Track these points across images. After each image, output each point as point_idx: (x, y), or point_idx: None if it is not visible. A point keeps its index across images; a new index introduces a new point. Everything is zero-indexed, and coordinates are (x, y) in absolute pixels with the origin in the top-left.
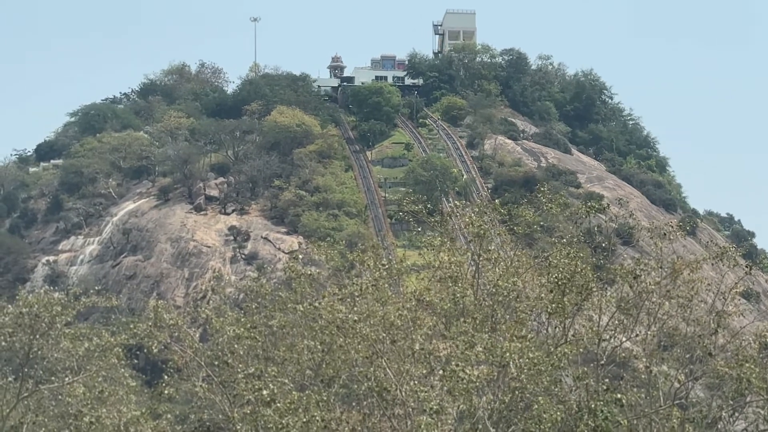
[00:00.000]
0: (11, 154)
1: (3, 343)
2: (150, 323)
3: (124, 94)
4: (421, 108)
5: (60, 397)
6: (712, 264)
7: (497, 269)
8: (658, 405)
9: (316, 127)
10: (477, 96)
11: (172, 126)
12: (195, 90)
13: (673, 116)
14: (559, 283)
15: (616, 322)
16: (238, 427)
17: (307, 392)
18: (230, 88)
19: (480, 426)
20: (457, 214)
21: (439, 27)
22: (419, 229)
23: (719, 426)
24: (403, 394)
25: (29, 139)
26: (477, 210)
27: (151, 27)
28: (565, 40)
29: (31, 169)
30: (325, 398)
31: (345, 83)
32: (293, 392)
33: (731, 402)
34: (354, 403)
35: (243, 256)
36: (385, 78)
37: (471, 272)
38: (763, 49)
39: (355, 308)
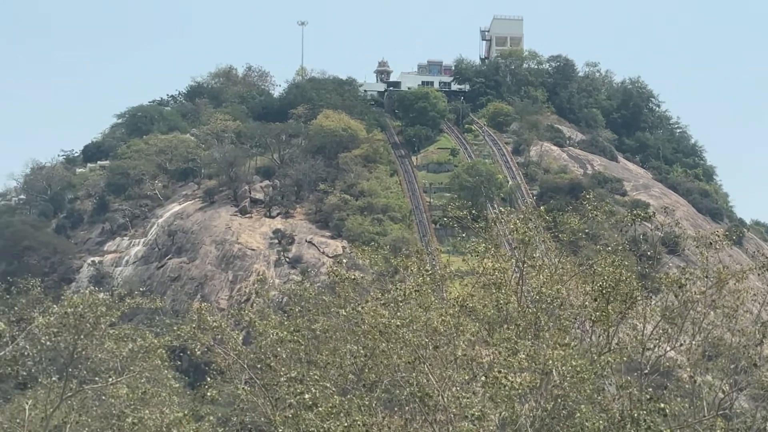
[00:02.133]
0: (59, 155)
1: (48, 343)
2: (193, 325)
3: (171, 96)
4: (467, 113)
5: (103, 397)
6: (759, 274)
7: (541, 276)
8: (701, 415)
9: (361, 132)
10: (523, 102)
11: (219, 129)
12: (242, 93)
13: (721, 124)
14: (604, 291)
15: (661, 331)
16: (280, 431)
17: (349, 396)
18: (277, 92)
19: None
20: (502, 220)
21: (487, 33)
22: (464, 235)
23: None
24: (445, 399)
25: (77, 140)
26: (522, 217)
27: (199, 30)
28: (612, 47)
29: (78, 170)
30: (367, 403)
31: (391, 88)
32: (335, 396)
33: None
34: (396, 408)
35: (287, 259)
36: (432, 83)
37: (515, 279)
38: None
39: (399, 313)
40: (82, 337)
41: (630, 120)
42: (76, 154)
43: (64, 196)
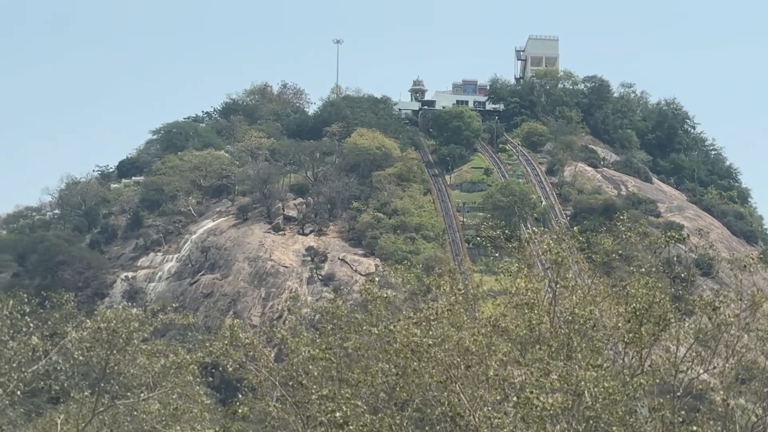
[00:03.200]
0: (94, 170)
1: (81, 358)
2: (226, 342)
3: (206, 113)
4: (501, 133)
5: (135, 413)
6: None
7: (574, 297)
8: None
9: (395, 150)
10: (558, 122)
11: (253, 146)
12: (276, 110)
13: (757, 147)
14: (637, 312)
15: (694, 353)
16: None
17: (380, 415)
18: (311, 110)
19: None
20: (535, 240)
21: (522, 53)
22: (496, 255)
23: None
24: (477, 420)
25: (112, 156)
26: (555, 237)
27: (235, 47)
28: (648, 68)
29: (113, 186)
30: (398, 422)
31: (426, 107)
32: (366, 415)
33: None
34: (427, 428)
35: (320, 277)
36: (466, 102)
37: (548, 299)
38: None
39: (431, 332)
40: (114, 352)
41: (665, 141)
42: (110, 170)
43: (98, 212)
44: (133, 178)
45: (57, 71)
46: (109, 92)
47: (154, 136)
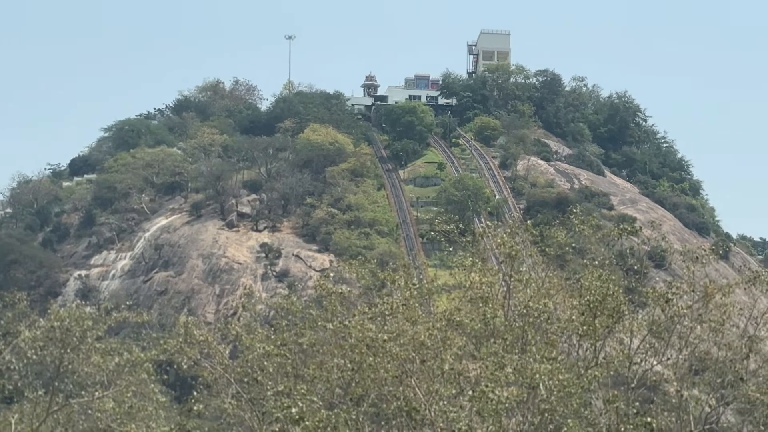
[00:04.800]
0: (45, 169)
1: (34, 357)
2: (180, 339)
3: (159, 110)
4: (454, 128)
5: (90, 411)
6: (745, 288)
7: (528, 290)
8: (688, 429)
9: (348, 146)
10: (510, 116)
11: (206, 142)
12: (229, 107)
13: (707, 139)
14: (591, 305)
15: (648, 345)
16: None
17: (336, 411)
18: (264, 106)
19: None
20: (489, 234)
21: (474, 47)
22: (450, 249)
23: None
24: (433, 414)
25: (63, 154)
26: (509, 231)
27: (186, 44)
28: (599, 62)
29: (65, 184)
30: (354, 417)
31: (378, 102)
32: (322, 411)
33: (762, 428)
34: (383, 423)
35: (274, 273)
36: (419, 97)
37: (502, 293)
38: None
39: (386, 327)
40: (68, 351)
41: (617, 134)
42: (62, 168)
43: (50, 210)
44: (86, 176)
45: (5, 69)
46: (60, 90)
47: (106, 134)
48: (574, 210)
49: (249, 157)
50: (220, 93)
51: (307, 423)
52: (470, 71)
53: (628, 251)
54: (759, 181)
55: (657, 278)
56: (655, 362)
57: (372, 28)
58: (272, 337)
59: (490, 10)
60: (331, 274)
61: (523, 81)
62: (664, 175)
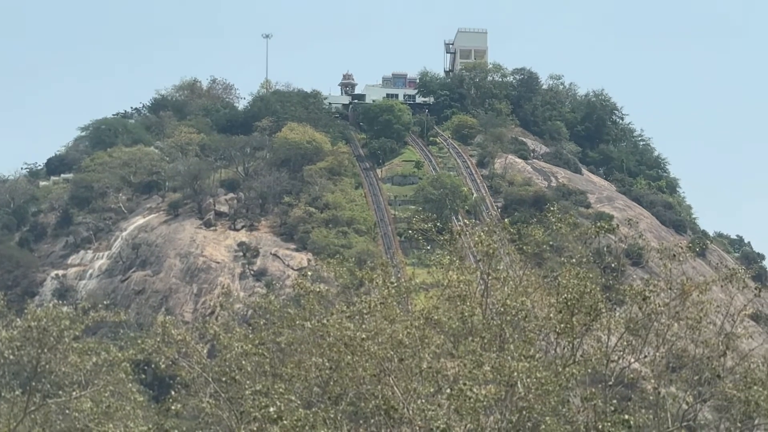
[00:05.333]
0: (22, 168)
1: (11, 357)
2: (158, 339)
3: (135, 109)
4: (431, 126)
5: (67, 411)
6: (722, 286)
7: (506, 288)
8: (665, 427)
9: (326, 144)
10: (488, 115)
11: (183, 141)
12: (206, 106)
13: (685, 137)
14: (568, 303)
15: (625, 343)
16: None
17: (314, 410)
18: (241, 105)
19: None
20: (467, 232)
21: (451, 46)
22: (428, 248)
23: None
24: (411, 412)
25: (40, 153)
26: (486, 229)
27: (163, 43)
28: (576, 60)
29: (42, 183)
30: (332, 416)
31: (356, 101)
32: (300, 410)
33: (739, 425)
34: (361, 421)
35: (252, 272)
36: (396, 96)
37: (480, 291)
38: None
39: (364, 326)
40: (45, 350)
41: (594, 132)
42: (39, 167)
43: (27, 209)
44: (62, 175)
45: None
46: (37, 89)
47: (83, 133)
48: (552, 208)
49: (226, 156)
50: (197, 92)
51: (285, 422)
52: (447, 70)
53: (605, 249)
54: (736, 178)
55: (634, 276)
56: (632, 360)
57: (349, 26)
58: (250, 336)
59: (467, 8)
60: (309, 273)
61: (500, 79)
62: (641, 173)
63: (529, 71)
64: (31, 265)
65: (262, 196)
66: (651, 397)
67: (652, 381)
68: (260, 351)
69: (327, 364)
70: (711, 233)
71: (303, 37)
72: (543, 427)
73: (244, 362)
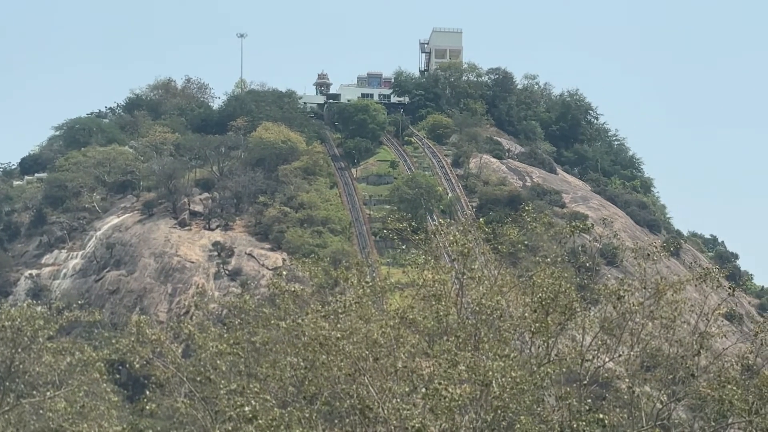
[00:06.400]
0: None
1: None
2: (132, 338)
3: (110, 108)
4: (406, 126)
5: (41, 411)
6: (696, 285)
7: (481, 288)
8: (640, 426)
9: (301, 144)
10: (463, 114)
11: (158, 141)
12: (181, 105)
13: (659, 137)
14: (543, 302)
15: (599, 342)
16: None
17: (289, 409)
18: (216, 104)
19: None
20: (442, 232)
21: (426, 45)
22: (403, 247)
23: None
24: (386, 412)
25: (13, 153)
26: (461, 228)
27: (138, 42)
28: (551, 60)
29: (15, 183)
30: (307, 415)
31: (331, 100)
32: (275, 409)
33: (713, 423)
34: (336, 421)
35: (227, 272)
36: (371, 95)
37: (455, 291)
38: (750, 62)
39: (339, 325)
40: (19, 350)
41: (568, 132)
42: (12, 167)
43: (0, 209)
44: (36, 174)
45: None
46: (10, 88)
47: (57, 132)
48: (527, 208)
49: (201, 155)
50: (171, 91)
51: (260, 421)
52: (422, 69)
53: (580, 249)
54: (710, 178)
55: (609, 275)
56: (607, 359)
57: (324, 26)
58: (225, 335)
59: (442, 8)
60: (284, 273)
61: (475, 79)
62: (616, 172)
63: (504, 71)
64: (5, 265)
65: (236, 195)
66: (625, 396)
67: (627, 380)
68: (235, 350)
69: (302, 363)
70: (685, 233)
71: (278, 36)
72: (518, 426)
73: (218, 362)
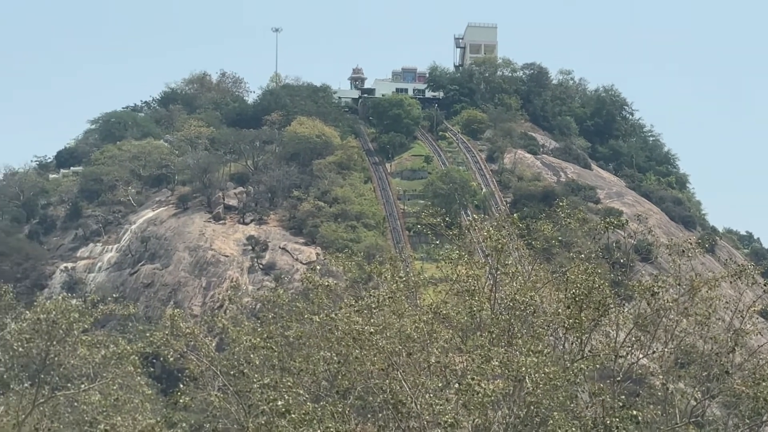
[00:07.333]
0: (31, 161)
1: (20, 349)
2: (167, 332)
3: (145, 102)
4: (441, 121)
5: (75, 404)
6: (731, 282)
7: (515, 283)
8: (674, 422)
9: (335, 139)
10: (497, 110)
11: (192, 135)
12: (216, 99)
13: (695, 133)
14: (577, 298)
15: (633, 338)
16: None
17: (322, 403)
18: (251, 98)
19: None
20: (476, 227)
21: (461, 40)
22: (437, 242)
23: None
24: (419, 407)
25: (50, 146)
26: (495, 224)
27: (173, 36)
28: (586, 56)
29: (51, 176)
30: (340, 410)
31: (365, 95)
32: (308, 403)
33: (747, 421)
34: (369, 415)
35: (261, 266)
36: (406, 90)
37: (488, 286)
38: None
39: (372, 320)
40: (54, 343)
41: (603, 128)
42: (49, 160)
43: (36, 202)
44: (72, 168)
45: None
46: (47, 82)
47: (93, 126)
48: (561, 203)
49: (236, 149)
50: (206, 85)
51: (293, 416)
52: (457, 64)
53: (614, 245)
54: (745, 174)
55: (643, 272)
56: (641, 355)
57: (359, 20)
58: (259, 329)
59: (477, 3)
60: (318, 267)
61: (510, 74)
62: (651, 168)
63: (538, 66)
64: (41, 258)
65: (271, 189)
66: (659, 393)
67: (661, 377)
68: (268, 344)
69: (335, 358)
70: (720, 229)
71: (313, 31)
72: (551, 422)
73: (252, 356)
